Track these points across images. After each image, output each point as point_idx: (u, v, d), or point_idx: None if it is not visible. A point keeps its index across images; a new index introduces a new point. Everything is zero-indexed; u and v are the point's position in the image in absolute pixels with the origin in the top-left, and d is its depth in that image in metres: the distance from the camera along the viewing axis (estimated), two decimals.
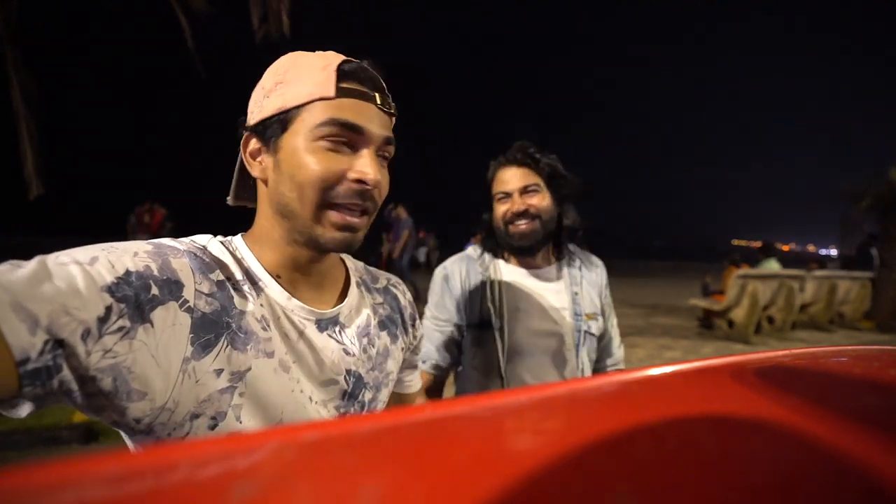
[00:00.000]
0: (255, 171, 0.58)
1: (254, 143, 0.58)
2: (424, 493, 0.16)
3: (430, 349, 1.19)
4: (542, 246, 1.17)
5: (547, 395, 0.26)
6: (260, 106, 0.56)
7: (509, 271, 1.20)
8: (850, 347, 0.41)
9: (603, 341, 1.28)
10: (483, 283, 1.19)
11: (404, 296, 0.77)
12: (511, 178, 1.15)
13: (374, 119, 0.56)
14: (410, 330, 0.75)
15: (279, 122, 0.55)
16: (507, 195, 1.15)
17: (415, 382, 0.80)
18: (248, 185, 0.64)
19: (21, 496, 0.15)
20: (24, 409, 0.41)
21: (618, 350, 1.31)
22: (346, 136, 0.54)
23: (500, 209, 1.16)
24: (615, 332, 1.31)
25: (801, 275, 6.48)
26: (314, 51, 0.58)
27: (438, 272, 1.24)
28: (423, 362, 1.18)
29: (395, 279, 0.78)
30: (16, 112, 3.21)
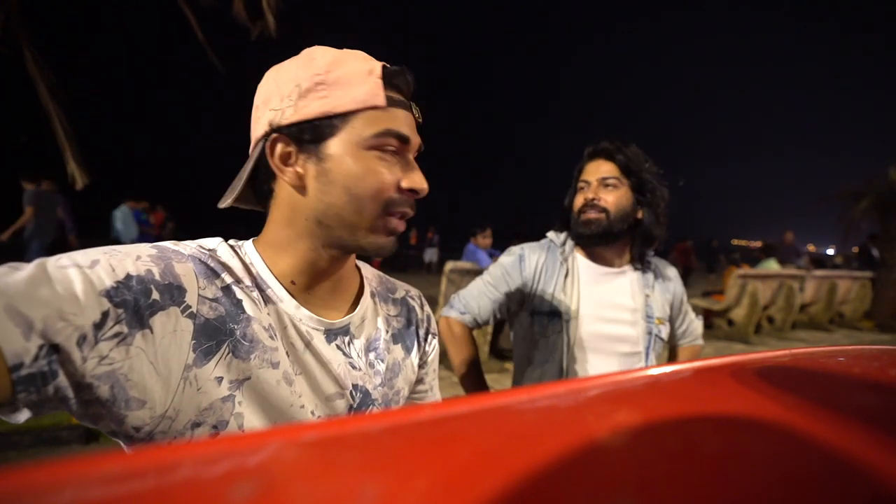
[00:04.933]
0: (286, 177, 0.54)
1: (284, 147, 0.53)
2: (425, 493, 0.16)
3: (472, 304, 1.22)
4: (606, 240, 1.16)
5: (547, 395, 0.26)
6: (294, 105, 0.52)
7: (586, 266, 1.21)
8: (850, 347, 0.41)
9: (682, 329, 1.33)
10: (559, 273, 1.20)
11: (422, 308, 0.74)
12: (594, 169, 1.17)
13: (413, 127, 0.57)
14: (424, 344, 0.72)
15: (323, 128, 0.52)
16: (587, 184, 1.18)
17: (427, 397, 0.76)
18: (263, 189, 0.57)
19: (21, 496, 0.15)
20: (21, 415, 0.40)
21: (694, 329, 1.35)
22: (396, 146, 0.55)
23: (578, 198, 1.19)
24: (690, 318, 1.34)
25: (801, 275, 6.48)
26: (339, 47, 0.56)
27: (514, 250, 1.26)
28: (463, 313, 1.22)
29: (413, 290, 0.76)
30: (46, 109, 3.21)
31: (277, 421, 0.52)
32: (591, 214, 1.15)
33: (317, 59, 0.53)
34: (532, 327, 1.20)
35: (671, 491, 0.17)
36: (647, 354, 1.18)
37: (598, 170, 1.16)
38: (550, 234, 1.29)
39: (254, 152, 0.56)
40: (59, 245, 5.20)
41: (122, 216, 4.89)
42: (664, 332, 1.22)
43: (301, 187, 0.54)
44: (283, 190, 0.56)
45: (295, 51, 0.57)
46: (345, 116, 0.52)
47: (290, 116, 0.52)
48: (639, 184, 1.16)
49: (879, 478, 0.18)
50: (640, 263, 1.23)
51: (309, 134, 0.52)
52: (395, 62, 0.57)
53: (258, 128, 0.55)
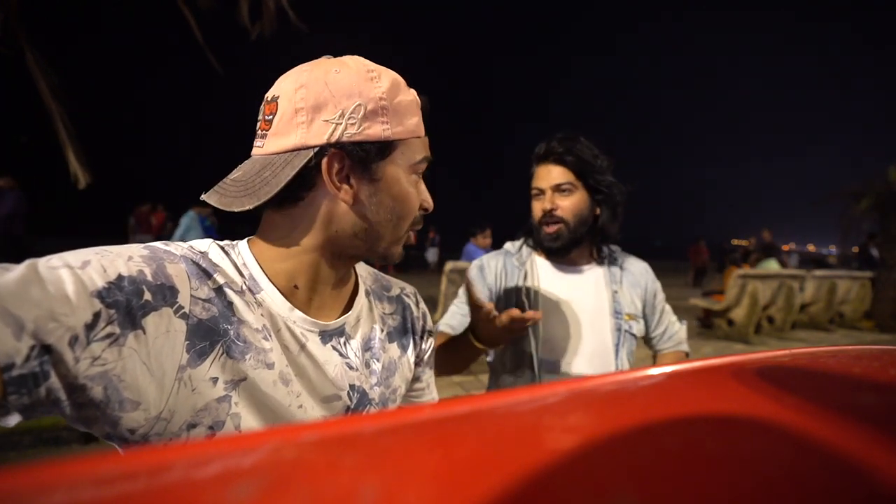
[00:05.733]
0: (342, 194, 0.54)
1: (341, 163, 0.53)
2: (425, 493, 0.16)
3: (450, 325, 1.21)
4: (572, 247, 1.16)
5: (546, 395, 0.26)
6: (357, 125, 0.52)
7: (546, 267, 1.20)
8: (849, 347, 0.41)
9: (659, 330, 1.27)
10: (518, 277, 1.19)
11: (417, 306, 0.74)
12: (546, 175, 1.14)
13: None
14: (420, 342, 0.73)
15: (380, 151, 0.54)
16: (541, 192, 1.15)
17: (424, 395, 0.77)
18: (293, 195, 0.54)
19: (21, 496, 0.15)
20: (11, 419, 0.40)
21: (676, 333, 1.28)
22: (424, 170, 0.61)
23: (536, 207, 1.17)
24: (670, 320, 1.28)
25: (801, 275, 6.48)
26: (341, 53, 0.58)
27: (475, 264, 1.27)
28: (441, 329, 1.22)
29: (409, 288, 0.76)
30: (48, 108, 3.20)
31: (274, 421, 0.52)
32: (552, 228, 1.13)
33: (376, 80, 0.54)
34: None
35: (672, 491, 0.17)
36: (616, 352, 1.15)
37: (550, 175, 1.13)
38: (507, 245, 1.29)
39: (293, 158, 0.52)
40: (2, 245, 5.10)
41: (189, 221, 5.05)
42: (635, 328, 1.19)
43: (351, 204, 0.55)
44: (322, 202, 0.55)
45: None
46: (397, 143, 0.56)
47: (352, 135, 0.52)
48: (593, 183, 1.13)
49: (879, 478, 0.18)
50: (605, 259, 1.21)
51: (368, 155, 0.54)
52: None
53: (308, 135, 0.52)
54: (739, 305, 5.87)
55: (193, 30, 3.59)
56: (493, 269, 1.23)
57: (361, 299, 0.65)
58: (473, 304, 0.98)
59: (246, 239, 0.59)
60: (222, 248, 0.56)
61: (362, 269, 0.71)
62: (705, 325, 6.48)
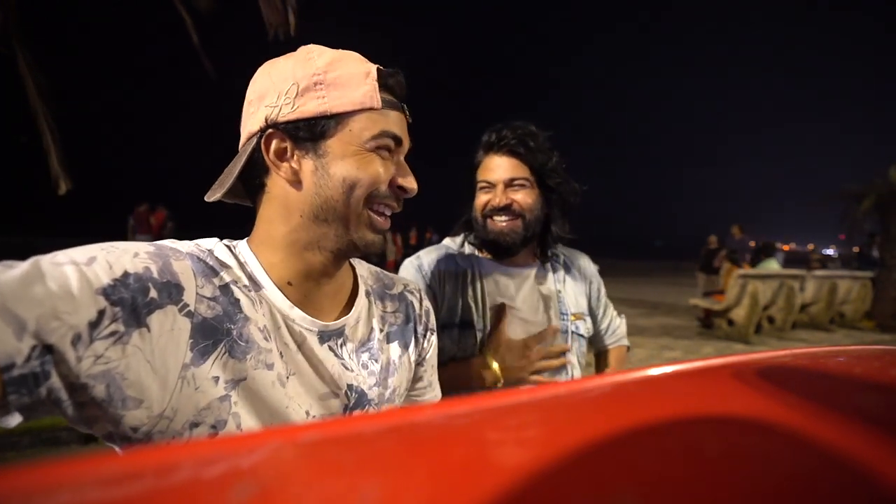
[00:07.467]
0: (282, 172, 0.55)
1: (279, 143, 0.54)
2: (424, 493, 0.16)
3: None
4: (521, 248, 1.07)
5: (547, 396, 0.26)
6: (292, 104, 0.53)
7: (490, 267, 1.11)
8: (850, 347, 0.41)
9: (604, 325, 1.23)
10: (463, 279, 1.09)
11: (421, 303, 0.74)
12: (497, 167, 1.04)
13: (404, 128, 0.60)
14: (422, 340, 0.72)
15: (320, 126, 0.54)
16: (491, 185, 1.05)
17: (426, 394, 0.76)
18: (255, 183, 0.58)
19: (21, 496, 0.15)
20: (12, 419, 0.40)
21: (618, 328, 1.25)
22: (390, 146, 0.57)
23: (481, 199, 1.06)
24: (612, 314, 1.25)
25: (801, 275, 6.48)
26: (335, 47, 0.57)
27: (410, 262, 1.13)
28: None
29: (413, 284, 0.75)
30: (34, 109, 3.18)
31: (272, 421, 0.52)
32: (504, 223, 1.03)
33: (314, 59, 0.54)
34: (444, 343, 1.06)
35: (672, 490, 0.17)
36: (564, 354, 1.09)
37: (502, 168, 1.03)
38: (447, 241, 1.19)
39: (247, 146, 0.56)
40: None
41: None
42: (582, 328, 1.13)
43: (296, 182, 0.55)
44: (277, 185, 0.56)
45: (291, 49, 0.58)
46: (342, 116, 0.54)
47: (287, 114, 0.53)
48: (545, 178, 1.04)
49: (880, 478, 0.18)
50: (547, 259, 1.14)
51: (306, 132, 0.54)
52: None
53: (253, 123, 0.55)
54: (740, 305, 5.87)
55: (190, 31, 3.57)
56: (432, 265, 1.11)
57: (361, 300, 0.65)
58: (500, 333, 0.99)
59: (245, 238, 0.60)
60: (227, 246, 0.57)
61: (363, 269, 0.70)
62: (705, 325, 6.48)
